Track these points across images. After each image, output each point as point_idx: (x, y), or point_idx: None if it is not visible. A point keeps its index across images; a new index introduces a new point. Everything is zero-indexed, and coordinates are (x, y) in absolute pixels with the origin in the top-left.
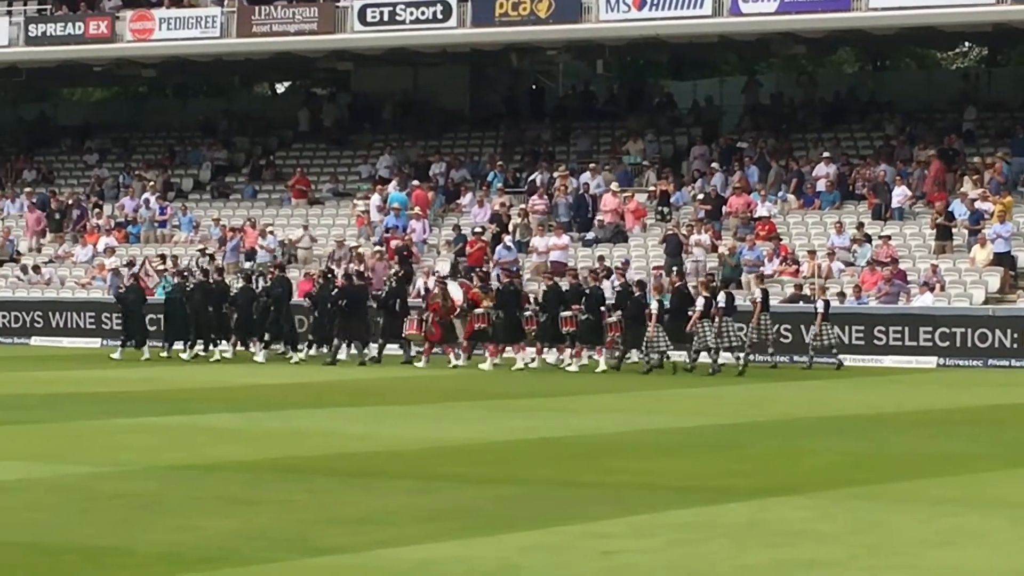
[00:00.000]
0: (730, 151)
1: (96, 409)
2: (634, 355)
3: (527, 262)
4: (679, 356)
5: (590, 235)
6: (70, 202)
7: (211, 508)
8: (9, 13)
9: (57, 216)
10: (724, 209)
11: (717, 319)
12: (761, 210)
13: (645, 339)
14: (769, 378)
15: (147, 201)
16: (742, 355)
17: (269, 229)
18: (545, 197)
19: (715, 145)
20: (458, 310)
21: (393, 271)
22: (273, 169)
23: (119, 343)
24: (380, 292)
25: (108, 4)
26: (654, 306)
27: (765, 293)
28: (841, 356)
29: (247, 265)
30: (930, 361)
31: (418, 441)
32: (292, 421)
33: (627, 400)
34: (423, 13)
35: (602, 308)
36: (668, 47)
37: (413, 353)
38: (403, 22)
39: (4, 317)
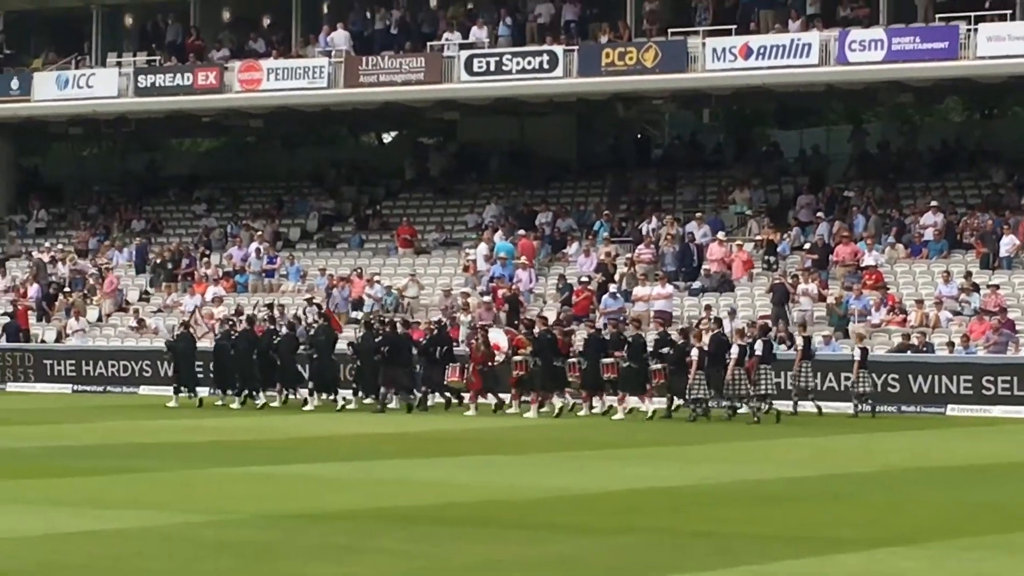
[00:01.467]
0: (835, 200)
1: (203, 458)
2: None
3: (632, 311)
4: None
5: (696, 284)
6: (170, 251)
7: (318, 556)
8: (119, 64)
9: (169, 266)
10: (831, 258)
11: (754, 367)
12: (868, 259)
13: (687, 386)
14: (874, 428)
15: (257, 251)
16: (765, 405)
17: (376, 278)
18: (652, 246)
19: (821, 194)
20: (503, 356)
21: (437, 319)
22: (380, 219)
23: (172, 391)
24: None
25: (216, 55)
26: (694, 353)
27: (808, 341)
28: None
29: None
30: None
31: (527, 490)
32: (400, 470)
33: (733, 449)
34: (529, 63)
35: (644, 356)
36: (774, 96)
37: (455, 401)
38: (509, 72)
39: (114, 366)
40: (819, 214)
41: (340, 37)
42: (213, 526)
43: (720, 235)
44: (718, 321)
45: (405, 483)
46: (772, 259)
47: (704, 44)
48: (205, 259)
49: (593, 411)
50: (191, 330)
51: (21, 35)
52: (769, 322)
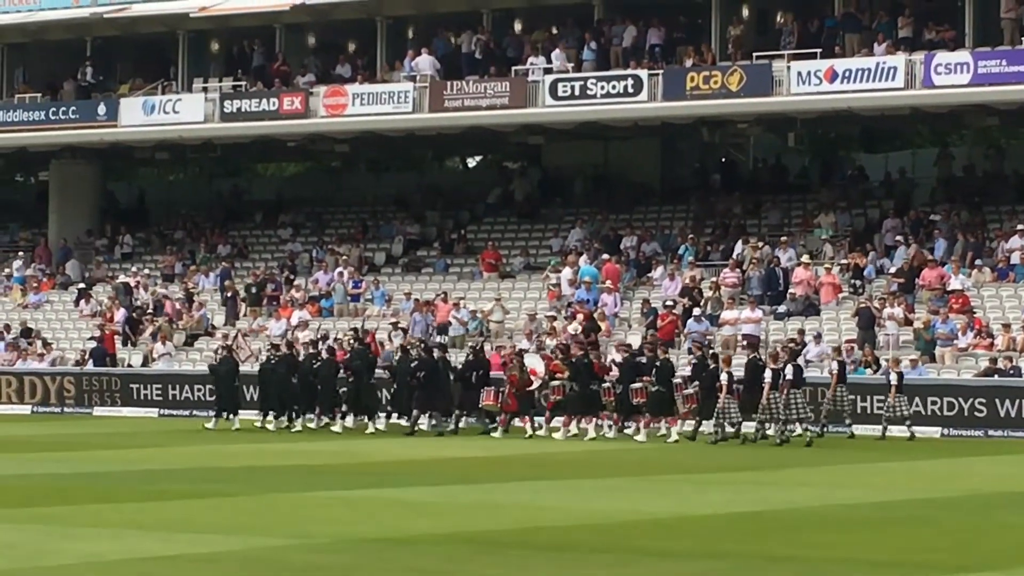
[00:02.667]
0: (919, 224)
1: (288, 482)
2: (707, 426)
3: (718, 335)
4: (748, 427)
5: (781, 308)
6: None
7: None
8: (205, 90)
9: (254, 290)
10: (917, 282)
11: (785, 391)
12: (954, 283)
13: (716, 410)
14: (960, 452)
15: (341, 275)
16: (811, 427)
17: (462, 302)
18: (737, 270)
19: (907, 218)
20: (540, 382)
21: (472, 344)
22: (464, 243)
23: (213, 414)
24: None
25: (302, 80)
26: (724, 378)
27: (842, 365)
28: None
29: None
30: None
31: (615, 514)
32: (487, 494)
33: (818, 474)
34: (614, 87)
35: (673, 380)
36: (860, 119)
37: (492, 424)
38: (594, 96)
39: (199, 390)
40: (898, 238)
41: (425, 62)
42: (298, 550)
43: (805, 259)
44: (753, 346)
45: (490, 507)
46: (858, 283)
47: (789, 68)
48: (296, 284)
49: (640, 434)
50: (234, 354)
51: (108, 61)
52: (799, 347)
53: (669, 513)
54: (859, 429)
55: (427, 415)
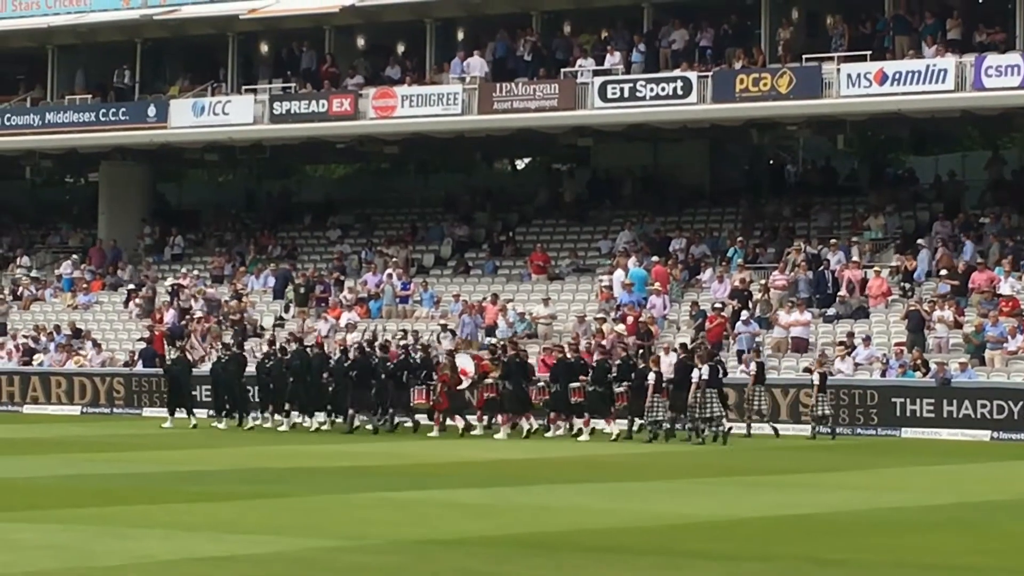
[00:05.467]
0: (968, 226)
1: (336, 483)
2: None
3: (768, 338)
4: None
5: (831, 311)
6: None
7: None
8: (254, 92)
9: (302, 290)
10: (967, 285)
11: (701, 390)
12: (1004, 286)
13: (644, 408)
14: (1008, 456)
15: (390, 276)
16: (723, 427)
17: (510, 304)
18: (786, 272)
19: (956, 220)
20: (470, 381)
21: (404, 345)
22: (513, 245)
23: (167, 413)
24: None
25: (351, 82)
26: (651, 377)
27: (760, 366)
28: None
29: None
30: None
31: (663, 516)
32: (535, 496)
33: (865, 477)
34: (663, 89)
35: (609, 380)
36: (909, 122)
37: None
38: (643, 98)
39: (248, 392)
40: (919, 241)
41: (475, 64)
42: (347, 551)
43: (855, 260)
44: (684, 347)
45: (539, 509)
46: (908, 285)
47: (839, 70)
48: (349, 284)
49: (558, 433)
50: (187, 354)
51: (157, 63)
52: (716, 348)
53: (716, 516)
54: (907, 432)
55: (361, 413)
